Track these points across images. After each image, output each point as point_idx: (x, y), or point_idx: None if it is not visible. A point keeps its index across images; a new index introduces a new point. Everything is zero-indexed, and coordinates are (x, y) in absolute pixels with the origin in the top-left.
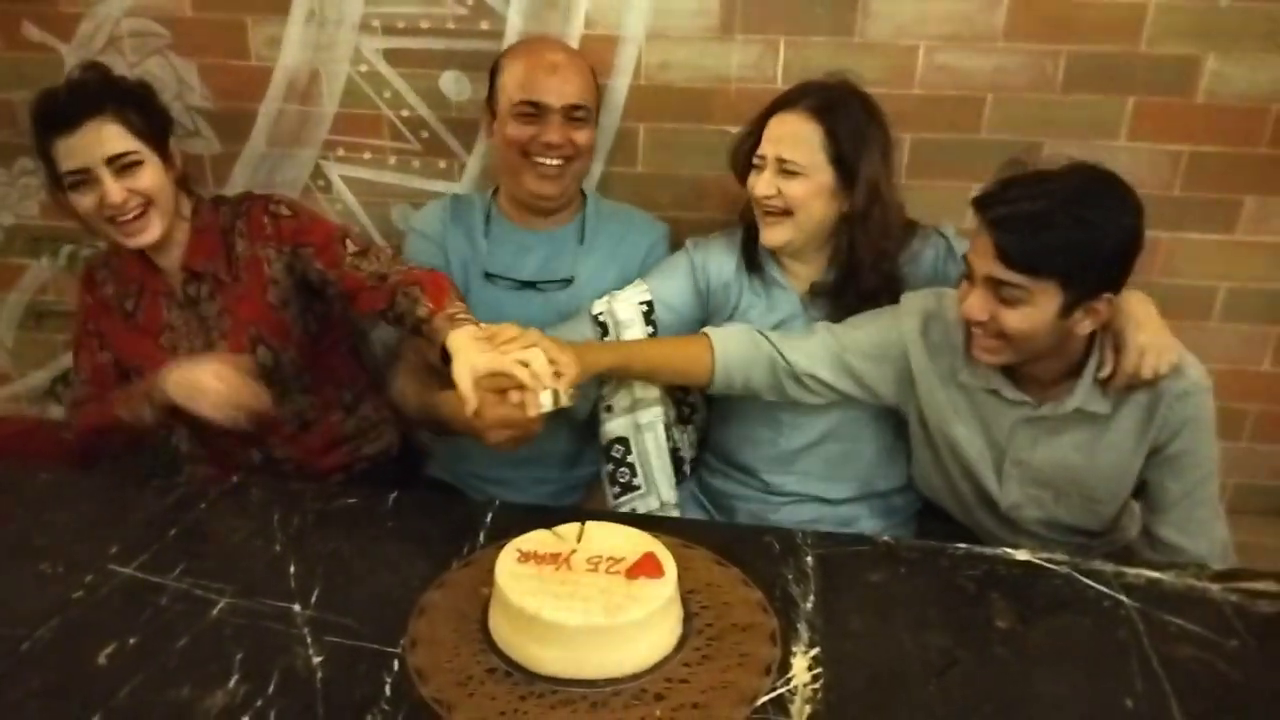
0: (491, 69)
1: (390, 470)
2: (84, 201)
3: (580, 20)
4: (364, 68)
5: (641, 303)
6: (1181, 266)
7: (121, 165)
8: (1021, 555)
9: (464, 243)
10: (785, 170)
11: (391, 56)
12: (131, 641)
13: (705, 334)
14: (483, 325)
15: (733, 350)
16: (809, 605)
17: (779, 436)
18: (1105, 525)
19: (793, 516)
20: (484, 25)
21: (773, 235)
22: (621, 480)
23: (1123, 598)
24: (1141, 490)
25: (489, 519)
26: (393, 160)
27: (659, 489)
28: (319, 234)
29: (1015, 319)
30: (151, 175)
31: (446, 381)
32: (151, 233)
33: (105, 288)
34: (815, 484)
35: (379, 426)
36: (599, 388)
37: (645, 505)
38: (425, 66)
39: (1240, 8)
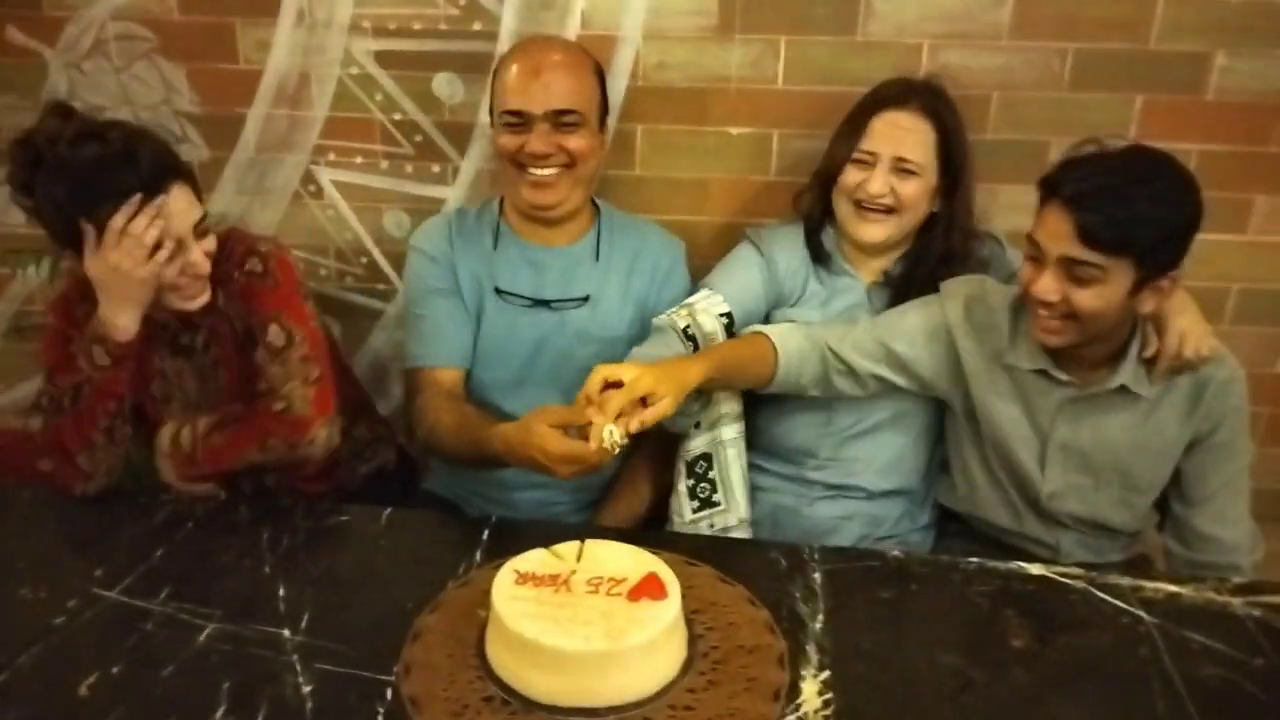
0: (493, 73)
1: (386, 485)
2: (165, 272)
3: (576, 20)
4: (355, 70)
5: (721, 315)
6: (1192, 268)
7: (200, 231)
8: (1036, 570)
9: (474, 259)
10: (902, 170)
11: (383, 59)
12: (115, 670)
13: (761, 332)
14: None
15: (792, 347)
16: (818, 625)
17: (833, 416)
18: (1137, 524)
19: (826, 511)
20: (477, 26)
21: (873, 232)
22: (701, 496)
23: (1142, 613)
24: (1175, 481)
25: (485, 536)
26: (385, 165)
27: (738, 505)
28: (262, 308)
29: (1088, 298)
30: (213, 237)
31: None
32: (206, 295)
33: (85, 326)
34: (860, 471)
35: (373, 445)
36: (696, 403)
37: (723, 521)
38: (417, 69)
39: (1251, 3)
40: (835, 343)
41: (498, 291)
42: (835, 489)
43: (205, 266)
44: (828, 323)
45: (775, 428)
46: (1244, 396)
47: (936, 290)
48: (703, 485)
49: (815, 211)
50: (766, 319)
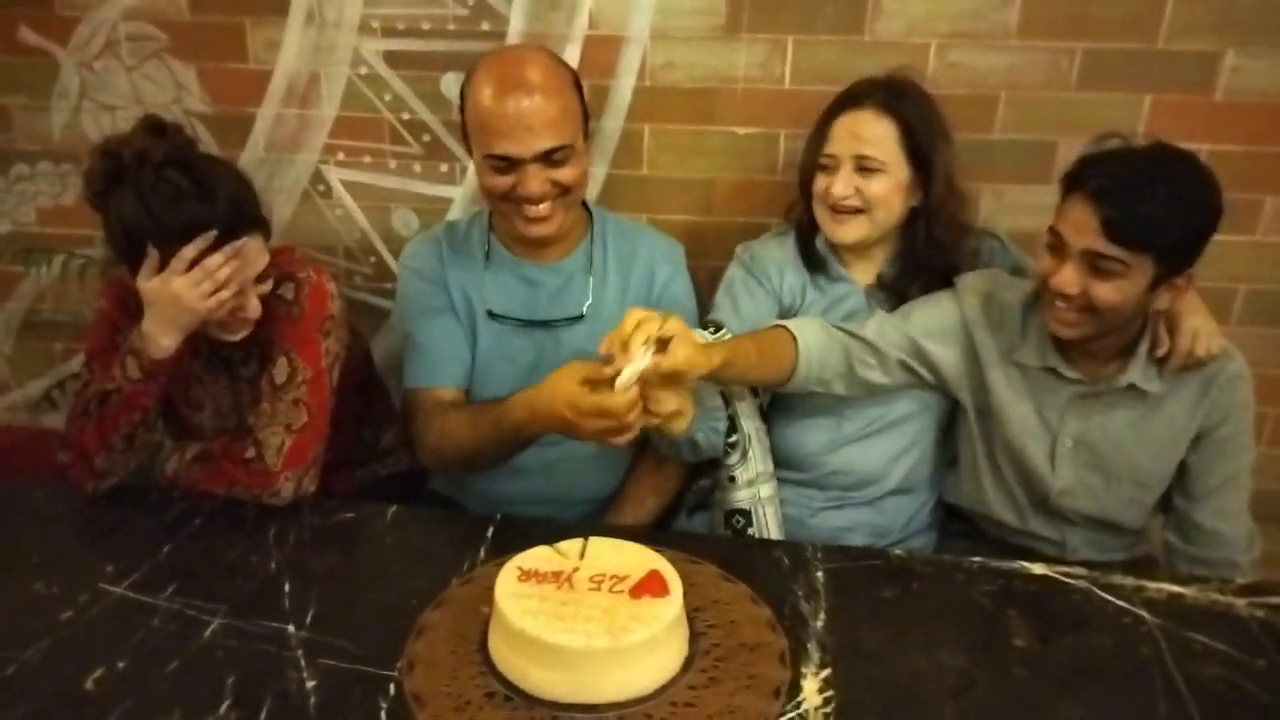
0: (461, 90)
1: (396, 486)
2: (216, 312)
3: (584, 20)
4: (364, 70)
5: None
6: (1199, 268)
7: (260, 279)
8: (1038, 569)
9: (465, 278)
10: (864, 168)
11: (392, 59)
12: (121, 665)
13: (782, 326)
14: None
15: (811, 339)
16: (819, 623)
17: (841, 420)
18: (1142, 520)
19: (827, 523)
20: (485, 26)
21: (846, 232)
22: None
23: (1144, 614)
24: (1179, 476)
25: (490, 534)
26: (394, 164)
27: None
28: (279, 337)
29: (1107, 292)
30: (270, 282)
31: None
32: (248, 330)
33: (136, 320)
34: (868, 474)
35: (397, 451)
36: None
37: None
38: (426, 68)
39: (1261, 1)
40: (858, 330)
41: (490, 314)
42: (842, 492)
43: (256, 312)
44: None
45: (787, 435)
46: (1250, 393)
47: (941, 286)
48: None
49: (805, 219)
50: None
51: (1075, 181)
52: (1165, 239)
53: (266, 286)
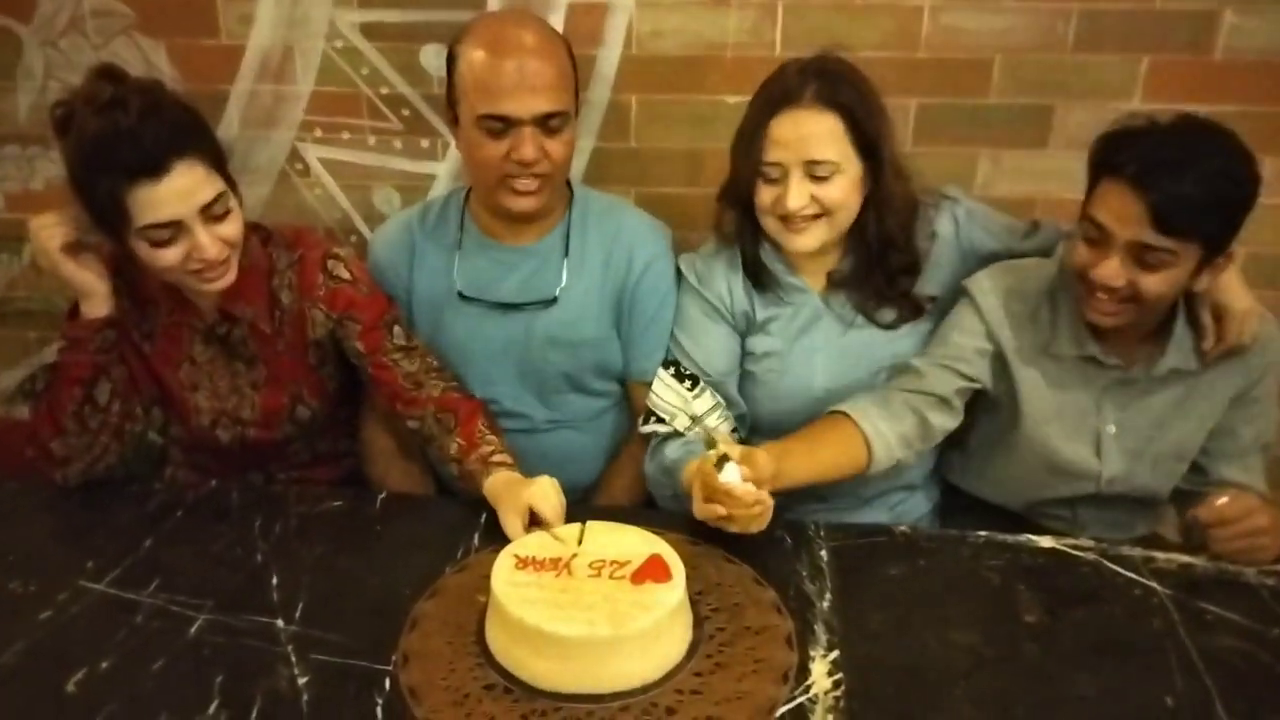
0: (447, 56)
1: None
2: (167, 255)
3: None
4: (340, 43)
5: (715, 411)
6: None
7: (212, 214)
8: (1046, 543)
9: (435, 262)
10: (817, 175)
11: (369, 31)
12: (104, 666)
13: (843, 414)
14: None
15: (880, 421)
16: (825, 604)
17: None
18: (1170, 491)
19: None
20: None
21: (806, 241)
22: None
23: (1154, 585)
24: (1210, 436)
25: (483, 519)
26: (373, 140)
27: None
28: (371, 312)
29: (1155, 283)
30: (237, 220)
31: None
32: (230, 277)
33: (119, 297)
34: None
35: None
36: None
37: None
38: (405, 41)
39: None
40: (913, 385)
41: (461, 296)
42: (823, 500)
43: (211, 250)
44: (891, 382)
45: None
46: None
47: (900, 276)
48: None
49: (745, 232)
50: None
51: (1108, 166)
52: (1212, 223)
53: (229, 229)
